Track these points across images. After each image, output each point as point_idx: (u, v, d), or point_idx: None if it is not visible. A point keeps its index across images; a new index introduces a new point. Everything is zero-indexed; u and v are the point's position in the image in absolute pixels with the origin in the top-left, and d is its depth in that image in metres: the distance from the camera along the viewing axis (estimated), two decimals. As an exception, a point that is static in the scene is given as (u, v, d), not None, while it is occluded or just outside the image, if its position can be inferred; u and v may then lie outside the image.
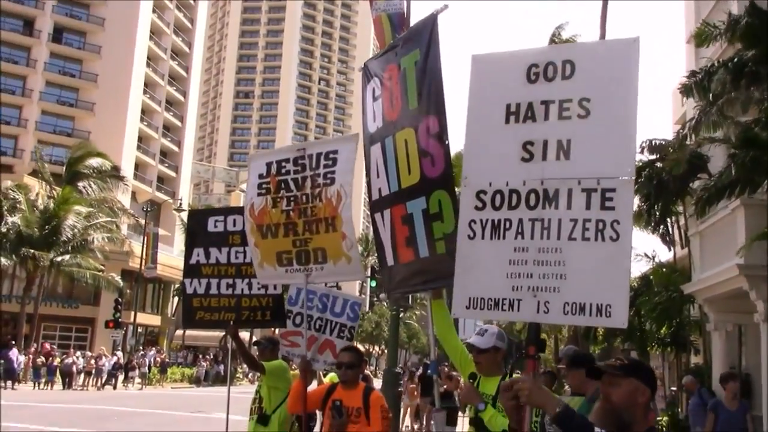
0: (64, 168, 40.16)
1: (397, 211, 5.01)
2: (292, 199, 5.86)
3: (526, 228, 3.35)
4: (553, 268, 3.27)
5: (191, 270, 7.19)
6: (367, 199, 5.58)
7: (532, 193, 3.36)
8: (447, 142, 4.74)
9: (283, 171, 5.94)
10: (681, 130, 17.48)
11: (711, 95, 13.47)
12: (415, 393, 18.86)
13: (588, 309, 3.18)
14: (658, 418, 8.73)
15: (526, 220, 3.36)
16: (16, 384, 31.54)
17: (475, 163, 3.63)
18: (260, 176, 6.12)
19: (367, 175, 5.43)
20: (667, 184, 17.21)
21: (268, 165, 6.08)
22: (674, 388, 22.81)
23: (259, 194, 6.09)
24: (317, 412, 7.68)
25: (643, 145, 18.00)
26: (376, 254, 5.75)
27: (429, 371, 5.65)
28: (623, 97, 3.26)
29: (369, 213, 5.51)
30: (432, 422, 5.04)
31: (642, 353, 22.08)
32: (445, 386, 11.88)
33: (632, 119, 3.22)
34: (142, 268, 44.20)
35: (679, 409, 19.08)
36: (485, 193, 3.49)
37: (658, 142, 18.28)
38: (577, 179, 3.26)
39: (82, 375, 35.17)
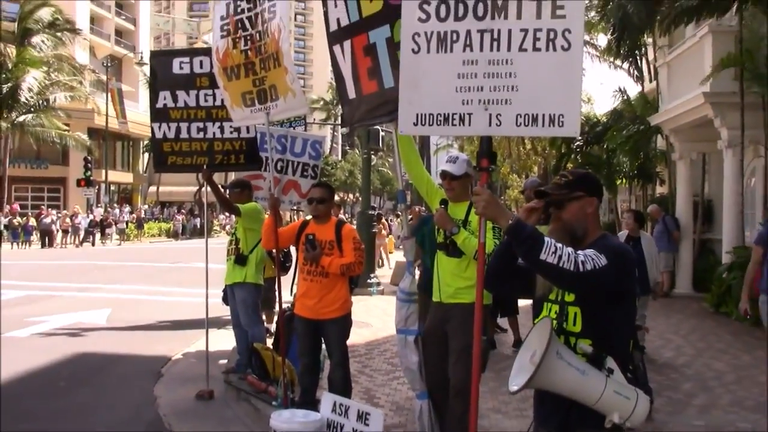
0: (16, 24, 38.38)
1: (358, 42, 4.84)
2: (248, 38, 5.77)
3: (475, 40, 3.27)
4: (504, 80, 3.23)
5: (159, 114, 6.99)
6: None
7: (480, 3, 3.26)
8: None
9: (239, 10, 5.84)
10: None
11: None
12: (383, 233, 20.57)
13: (541, 119, 3.18)
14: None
15: (475, 31, 3.27)
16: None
17: None
18: (222, 18, 6.02)
19: (324, 5, 5.21)
20: (634, 15, 16.96)
21: (227, 6, 5.97)
22: (640, 218, 23.52)
23: (222, 36, 6.00)
24: (292, 252, 7.89)
25: None
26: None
27: (396, 203, 5.80)
28: None
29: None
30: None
31: (609, 187, 22.61)
32: (411, 218, 12.34)
33: None
34: (114, 124, 43.46)
35: (644, 237, 19.78)
36: (428, 4, 3.36)
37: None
38: None
39: (59, 234, 35.44)
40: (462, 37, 3.30)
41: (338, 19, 5.02)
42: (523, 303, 9.78)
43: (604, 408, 2.66)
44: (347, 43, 4.97)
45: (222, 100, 6.51)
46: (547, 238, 2.68)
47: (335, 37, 5.10)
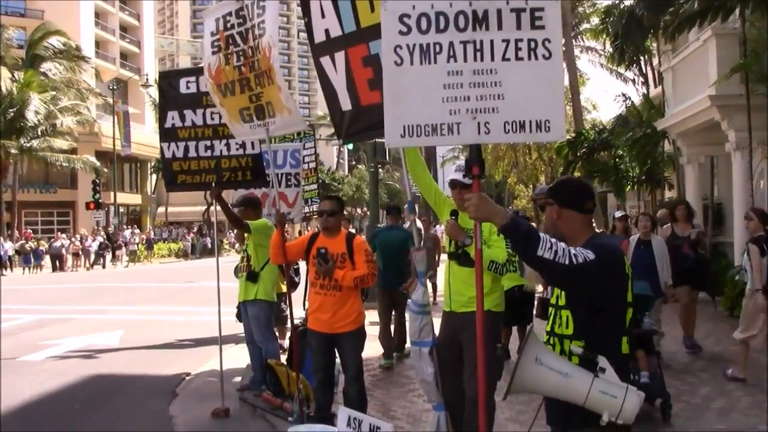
0: (25, 51, 38.80)
1: (355, 53, 4.82)
2: (240, 53, 5.77)
3: (458, 51, 3.34)
4: (490, 89, 3.32)
5: (167, 133, 7.01)
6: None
7: (461, 15, 3.33)
8: None
9: (229, 25, 5.83)
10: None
11: None
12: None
13: (528, 125, 3.29)
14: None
15: (458, 42, 3.34)
16: (6, 270, 31.93)
17: None
18: (212, 34, 6.00)
19: (306, 15, 5.17)
20: (640, 20, 16.99)
21: (217, 21, 5.96)
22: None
23: (213, 52, 6.00)
24: (300, 270, 7.90)
25: None
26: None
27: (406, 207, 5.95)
28: None
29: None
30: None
31: (618, 193, 22.57)
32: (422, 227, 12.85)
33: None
34: (118, 147, 43.79)
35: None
36: (409, 17, 3.40)
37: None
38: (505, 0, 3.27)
39: (70, 257, 35.58)
40: (445, 49, 3.36)
41: (327, 30, 4.99)
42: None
43: (593, 408, 2.77)
44: (340, 54, 4.94)
45: None
46: (542, 234, 2.78)
47: (323, 49, 5.06)
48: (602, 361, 2.79)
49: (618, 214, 10.67)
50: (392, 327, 9.56)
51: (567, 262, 2.72)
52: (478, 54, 3.31)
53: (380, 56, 4.64)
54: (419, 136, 3.43)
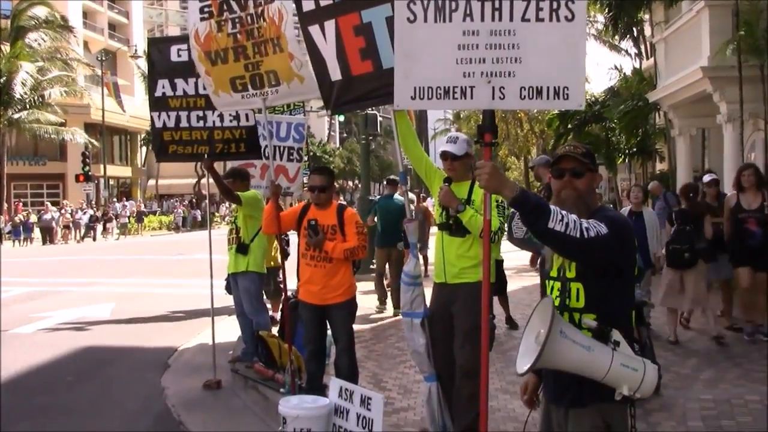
0: (9, 21, 38.23)
1: (346, 21, 4.74)
2: (236, 20, 5.62)
3: (475, 9, 3.17)
4: (507, 51, 3.15)
5: (158, 103, 6.85)
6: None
7: None
8: None
9: None
10: None
11: None
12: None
13: (545, 92, 3.14)
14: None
15: (475, 0, 3.17)
16: (-2, 243, 31.82)
17: None
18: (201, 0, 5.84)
19: None
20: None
21: None
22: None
23: (202, 19, 5.81)
24: (291, 241, 7.87)
25: None
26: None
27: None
28: None
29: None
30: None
31: (609, 165, 22.57)
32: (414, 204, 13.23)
33: None
34: (113, 118, 43.32)
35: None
36: None
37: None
38: None
39: (60, 230, 35.40)
40: (462, 6, 3.19)
41: None
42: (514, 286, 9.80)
43: (612, 382, 2.68)
44: (330, 23, 4.85)
45: None
46: (552, 207, 2.65)
47: (312, 17, 4.97)
48: (616, 334, 2.72)
49: (707, 178, 9.52)
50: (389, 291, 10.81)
51: (578, 235, 2.60)
52: (497, 13, 3.14)
53: (373, 24, 4.63)
54: (430, 99, 3.29)
